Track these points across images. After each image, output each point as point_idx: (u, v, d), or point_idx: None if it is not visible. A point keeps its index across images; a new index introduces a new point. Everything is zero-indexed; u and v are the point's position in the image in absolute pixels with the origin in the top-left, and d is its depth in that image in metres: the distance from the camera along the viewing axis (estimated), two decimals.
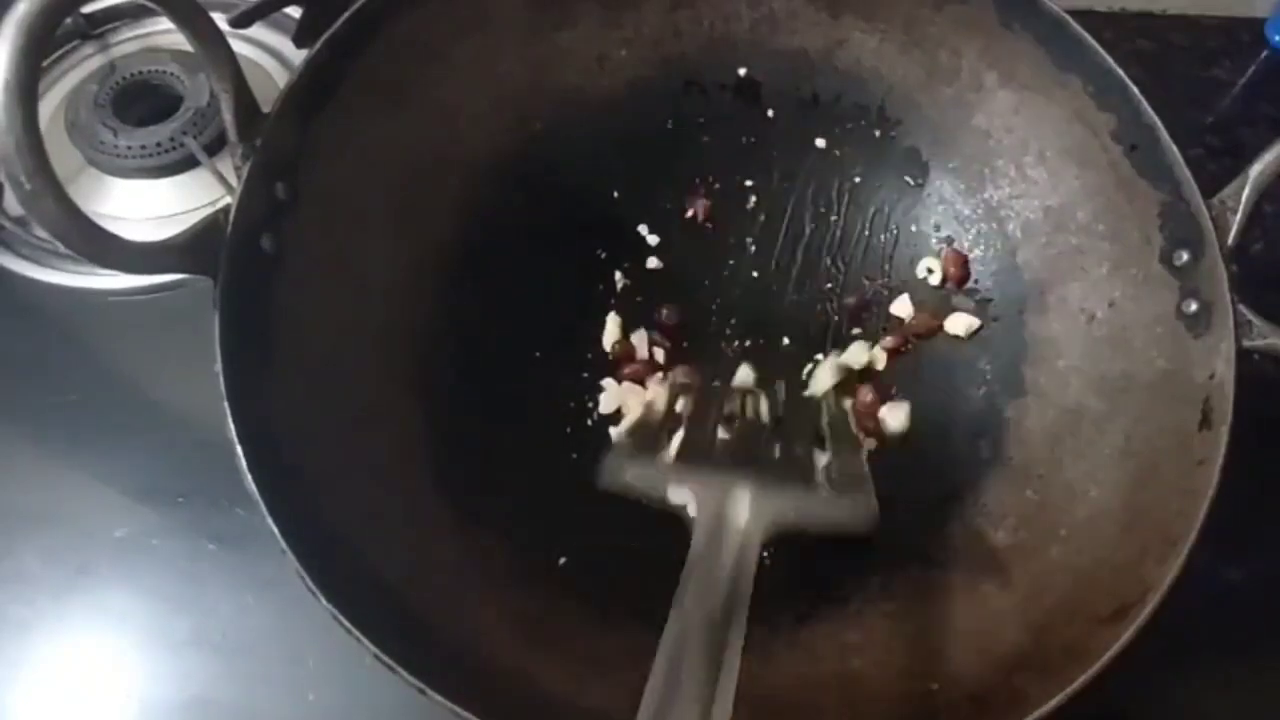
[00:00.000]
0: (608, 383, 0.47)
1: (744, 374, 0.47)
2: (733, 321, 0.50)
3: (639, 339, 0.48)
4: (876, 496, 0.37)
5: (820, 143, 0.52)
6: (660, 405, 0.40)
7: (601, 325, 0.49)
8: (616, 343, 0.48)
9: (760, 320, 0.50)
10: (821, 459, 0.38)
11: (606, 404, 0.47)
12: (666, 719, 0.27)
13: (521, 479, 0.44)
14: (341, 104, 0.41)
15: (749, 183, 0.52)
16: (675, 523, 0.44)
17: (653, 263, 0.50)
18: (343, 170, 0.41)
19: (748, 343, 0.49)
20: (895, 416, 0.47)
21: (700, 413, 0.40)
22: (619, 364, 0.48)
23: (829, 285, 0.50)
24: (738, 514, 0.34)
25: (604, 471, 0.37)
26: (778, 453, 0.38)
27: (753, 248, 0.51)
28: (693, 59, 0.50)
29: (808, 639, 0.41)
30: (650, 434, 0.39)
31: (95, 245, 0.32)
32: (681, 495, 0.35)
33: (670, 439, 0.39)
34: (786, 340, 0.49)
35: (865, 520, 0.36)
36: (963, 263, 0.49)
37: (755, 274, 0.51)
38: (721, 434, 0.39)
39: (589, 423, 0.47)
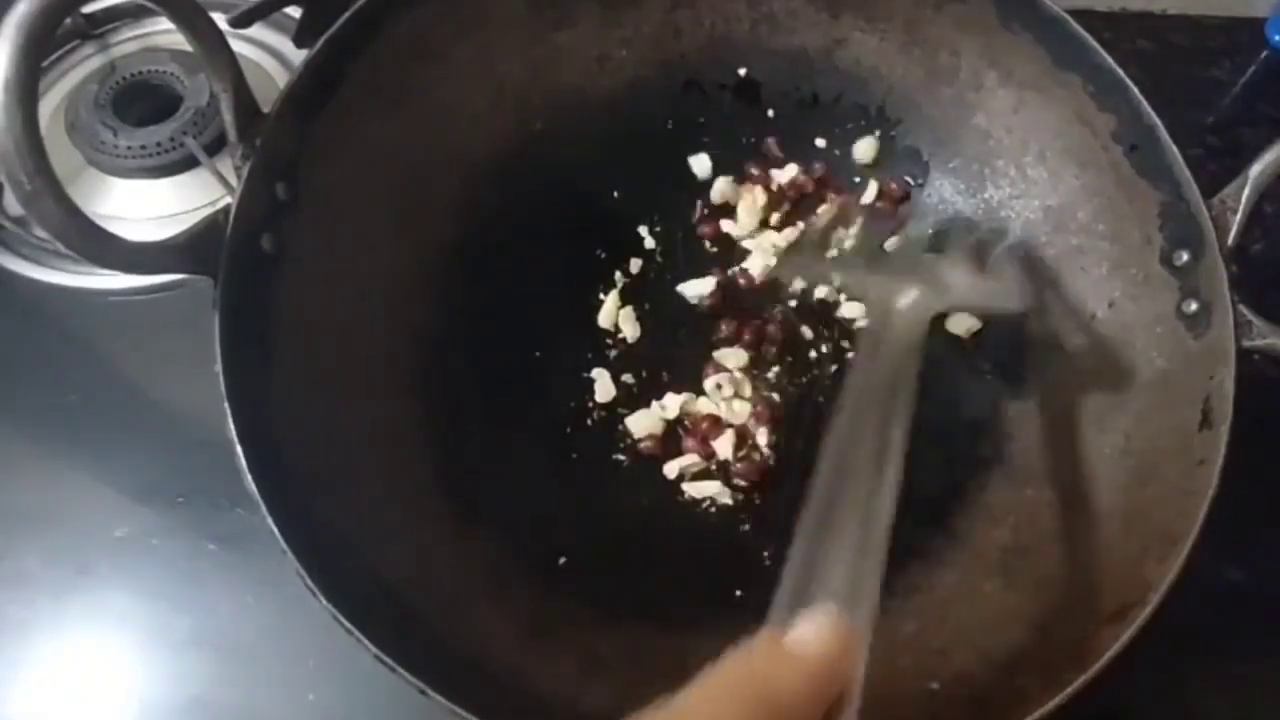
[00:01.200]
0: (598, 372, 0.47)
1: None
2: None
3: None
4: None
5: (820, 143, 0.52)
6: (824, 222, 0.48)
7: (600, 325, 0.49)
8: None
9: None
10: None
11: (602, 393, 0.47)
12: (848, 461, 0.30)
13: (522, 479, 0.44)
14: (341, 104, 0.41)
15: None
16: (676, 523, 0.45)
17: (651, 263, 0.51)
18: (343, 170, 0.41)
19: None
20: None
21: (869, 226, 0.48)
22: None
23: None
24: (905, 299, 0.38)
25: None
26: (940, 255, 0.44)
27: None
28: (693, 59, 0.50)
29: None
30: (817, 245, 0.47)
31: (95, 245, 0.32)
32: (858, 283, 0.44)
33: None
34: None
35: (1018, 304, 0.43)
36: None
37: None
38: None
39: (589, 422, 0.46)
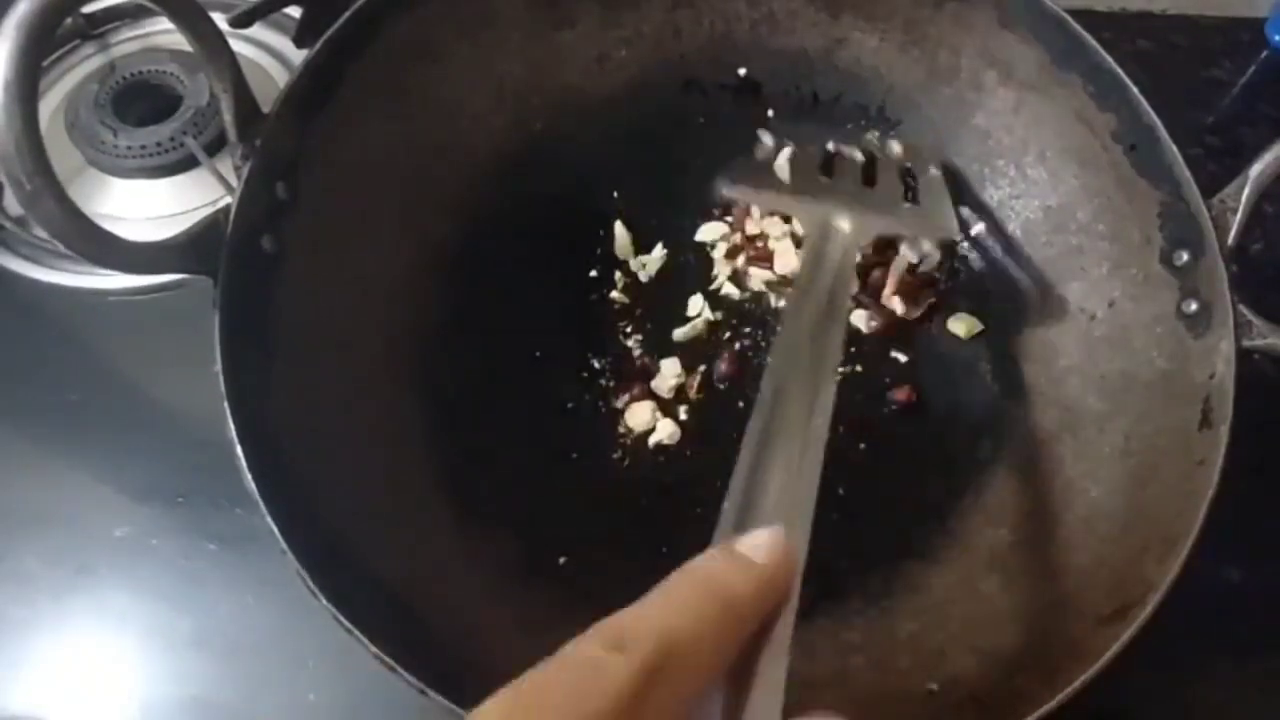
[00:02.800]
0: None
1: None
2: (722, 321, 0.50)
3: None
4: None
5: (820, 143, 0.52)
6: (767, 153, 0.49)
7: (600, 325, 0.49)
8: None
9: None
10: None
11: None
12: (787, 384, 0.31)
13: (522, 478, 0.44)
14: (341, 104, 0.41)
15: None
16: (676, 523, 0.44)
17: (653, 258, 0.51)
18: (343, 170, 0.41)
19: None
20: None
21: (804, 158, 0.48)
22: None
23: None
24: (841, 225, 0.41)
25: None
26: (873, 185, 0.46)
27: None
28: (693, 59, 0.50)
29: (806, 637, 0.41)
30: (763, 170, 0.48)
31: (95, 245, 0.32)
32: (796, 209, 0.45)
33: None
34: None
35: (947, 232, 0.46)
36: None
37: None
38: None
39: (589, 422, 0.47)
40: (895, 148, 0.49)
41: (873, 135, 0.50)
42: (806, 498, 0.28)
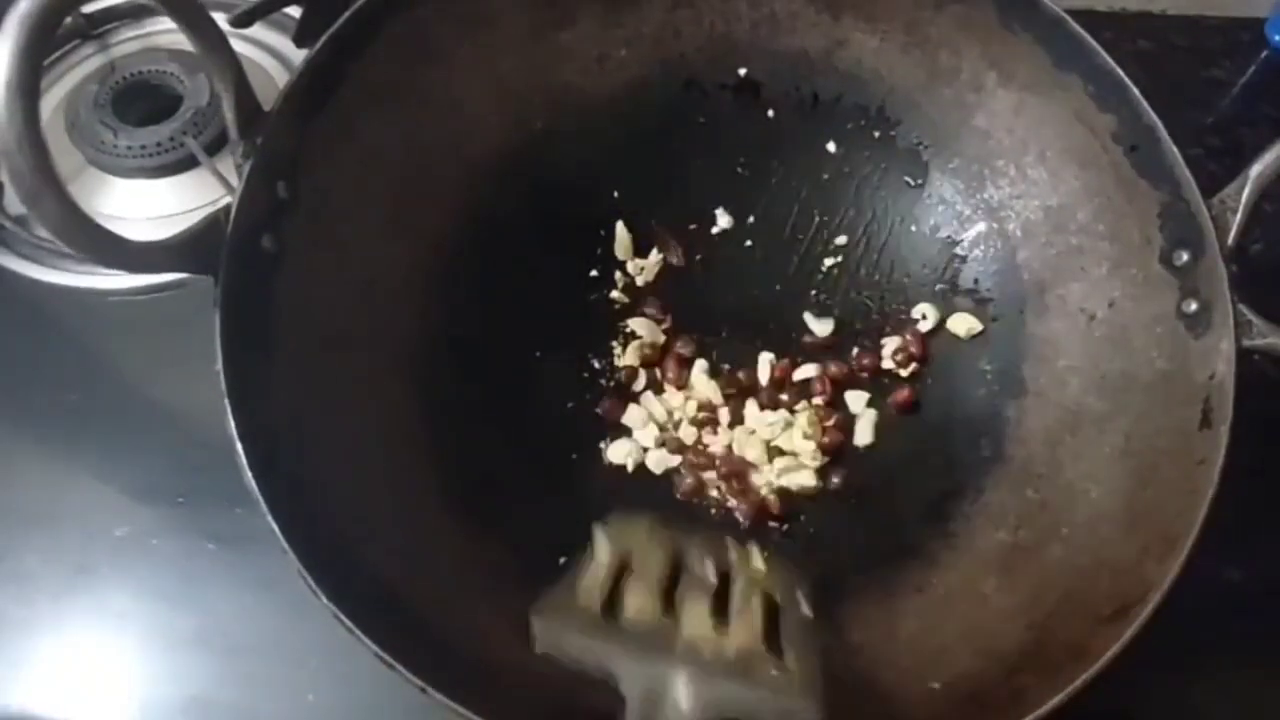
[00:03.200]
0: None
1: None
2: (720, 320, 0.50)
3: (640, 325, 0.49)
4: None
5: (820, 143, 0.52)
6: (603, 569, 0.36)
7: (600, 323, 0.49)
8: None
9: (745, 324, 0.50)
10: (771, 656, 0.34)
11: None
12: None
13: (521, 479, 0.44)
14: (341, 104, 0.41)
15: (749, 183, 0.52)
16: (676, 524, 0.44)
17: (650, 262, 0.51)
18: (343, 170, 0.41)
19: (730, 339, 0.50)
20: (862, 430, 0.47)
21: (644, 577, 0.36)
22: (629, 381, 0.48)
23: (822, 296, 0.51)
24: (676, 698, 0.31)
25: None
26: (724, 637, 0.34)
27: (751, 248, 0.51)
28: (693, 59, 0.50)
29: None
30: (592, 593, 0.35)
31: (96, 245, 0.32)
32: (618, 668, 0.33)
33: (608, 599, 0.35)
34: (766, 353, 0.49)
35: (812, 713, 0.32)
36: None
37: (752, 276, 0.51)
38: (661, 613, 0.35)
39: (589, 422, 0.47)
40: (757, 561, 0.37)
41: (731, 542, 0.38)
42: None
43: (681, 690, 0.31)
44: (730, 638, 0.34)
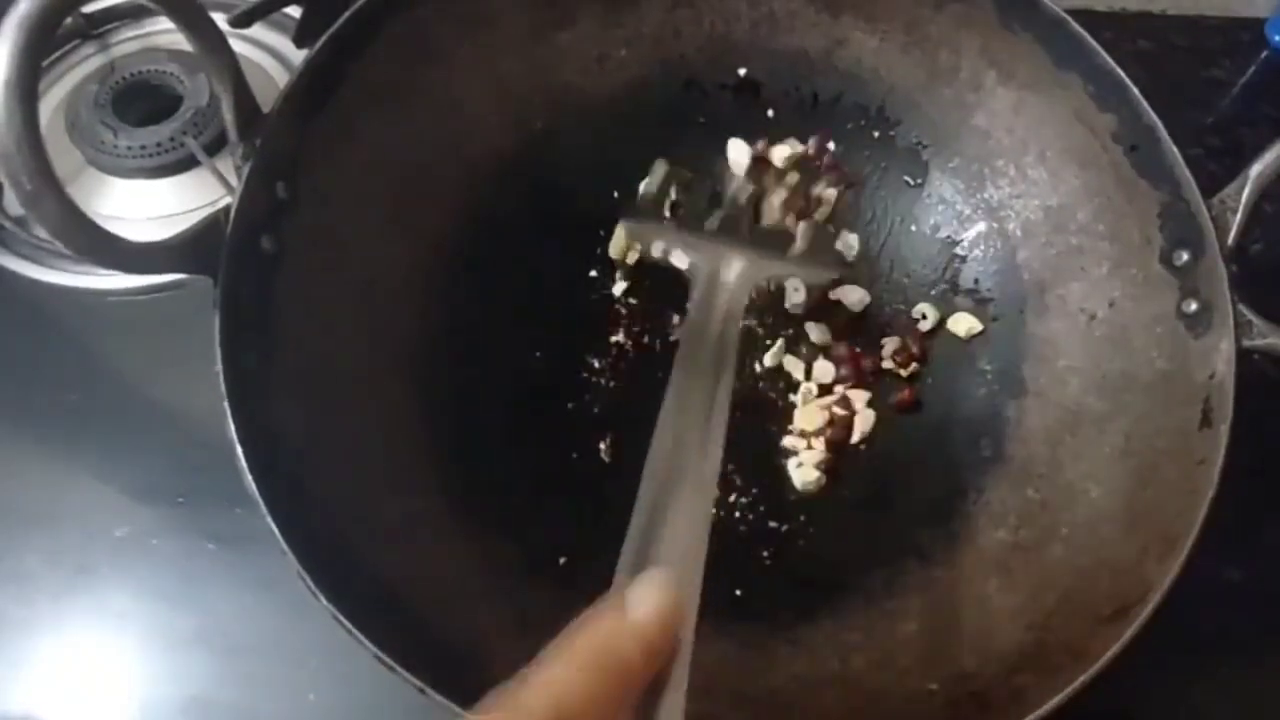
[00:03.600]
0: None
1: (737, 152, 0.50)
2: None
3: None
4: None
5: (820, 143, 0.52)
6: (657, 184, 0.46)
7: (600, 324, 0.49)
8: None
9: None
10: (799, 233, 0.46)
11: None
12: (682, 433, 0.31)
13: (522, 478, 0.44)
14: (341, 104, 0.41)
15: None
16: None
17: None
18: (343, 170, 0.41)
19: None
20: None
21: (695, 192, 0.46)
22: None
23: None
24: (729, 273, 0.40)
25: (618, 237, 0.48)
26: (762, 228, 0.46)
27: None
28: (693, 59, 0.50)
29: (807, 638, 0.41)
30: (653, 208, 0.46)
31: (95, 245, 0.32)
32: (682, 258, 0.42)
33: (669, 213, 0.46)
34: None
35: (831, 276, 0.47)
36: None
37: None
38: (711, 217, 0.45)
39: (589, 422, 0.47)
40: (781, 192, 0.48)
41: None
42: (698, 543, 0.29)
43: (733, 263, 0.41)
44: (762, 233, 0.45)
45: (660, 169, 0.46)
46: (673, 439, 0.31)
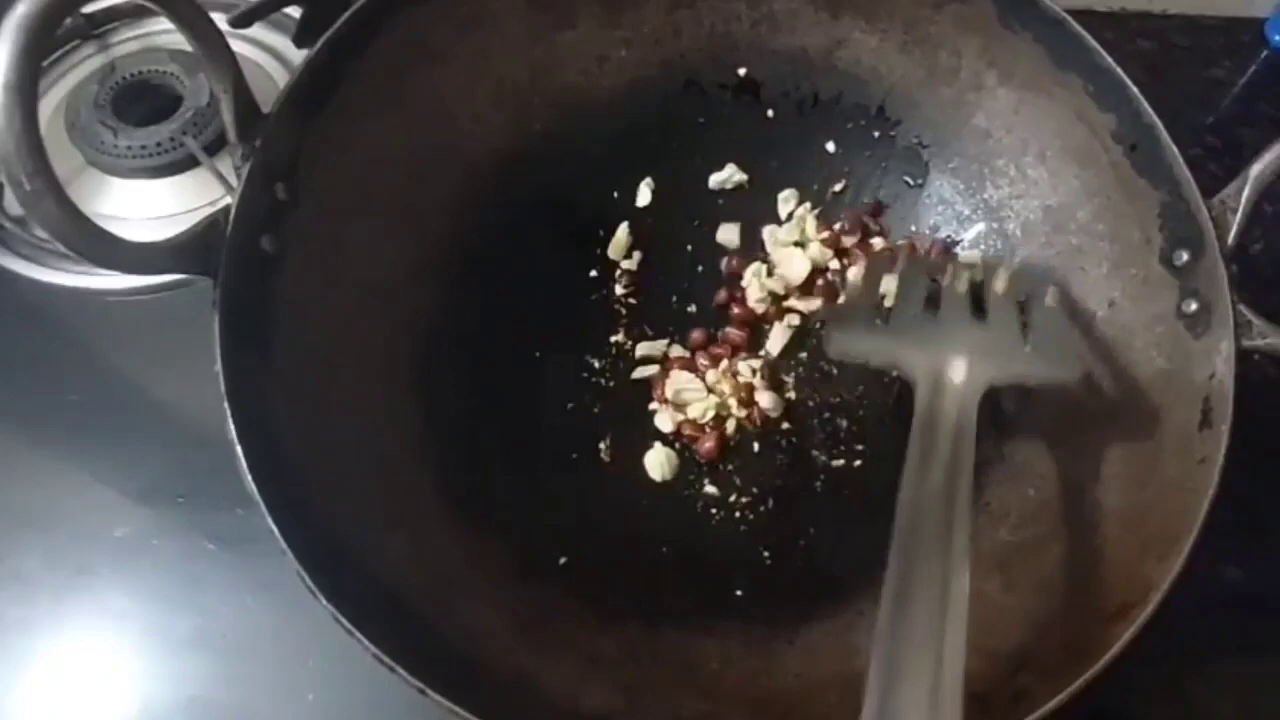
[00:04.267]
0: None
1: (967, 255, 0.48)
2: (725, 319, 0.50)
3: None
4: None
5: (830, 146, 0.52)
6: (861, 283, 0.44)
7: (600, 323, 0.49)
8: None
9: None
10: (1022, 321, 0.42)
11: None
12: (913, 566, 0.29)
13: (521, 479, 0.44)
14: (341, 104, 0.41)
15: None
16: (676, 523, 0.45)
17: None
18: (343, 170, 0.41)
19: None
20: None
21: (908, 286, 0.43)
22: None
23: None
24: (955, 375, 0.37)
25: (831, 341, 0.42)
26: (985, 320, 0.42)
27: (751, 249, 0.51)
28: (693, 59, 0.50)
29: (810, 639, 0.41)
30: (863, 308, 0.43)
31: (95, 245, 0.32)
32: (904, 360, 0.39)
33: (880, 312, 0.43)
34: None
35: (1072, 373, 0.40)
36: None
37: None
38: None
39: (589, 422, 0.47)
40: (1002, 277, 0.44)
41: (973, 261, 0.46)
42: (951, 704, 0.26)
43: (959, 368, 0.37)
44: (989, 328, 0.41)
45: (858, 269, 0.43)
46: (901, 581, 0.28)
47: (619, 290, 0.50)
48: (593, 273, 0.50)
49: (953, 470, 0.33)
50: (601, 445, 0.46)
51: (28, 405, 0.49)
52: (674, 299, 0.50)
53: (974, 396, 0.37)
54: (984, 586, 0.41)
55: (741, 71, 0.51)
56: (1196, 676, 0.44)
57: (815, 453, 0.47)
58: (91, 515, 0.46)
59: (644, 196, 0.51)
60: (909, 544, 0.30)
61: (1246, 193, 0.38)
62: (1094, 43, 0.42)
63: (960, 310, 0.42)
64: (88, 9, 0.61)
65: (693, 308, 0.50)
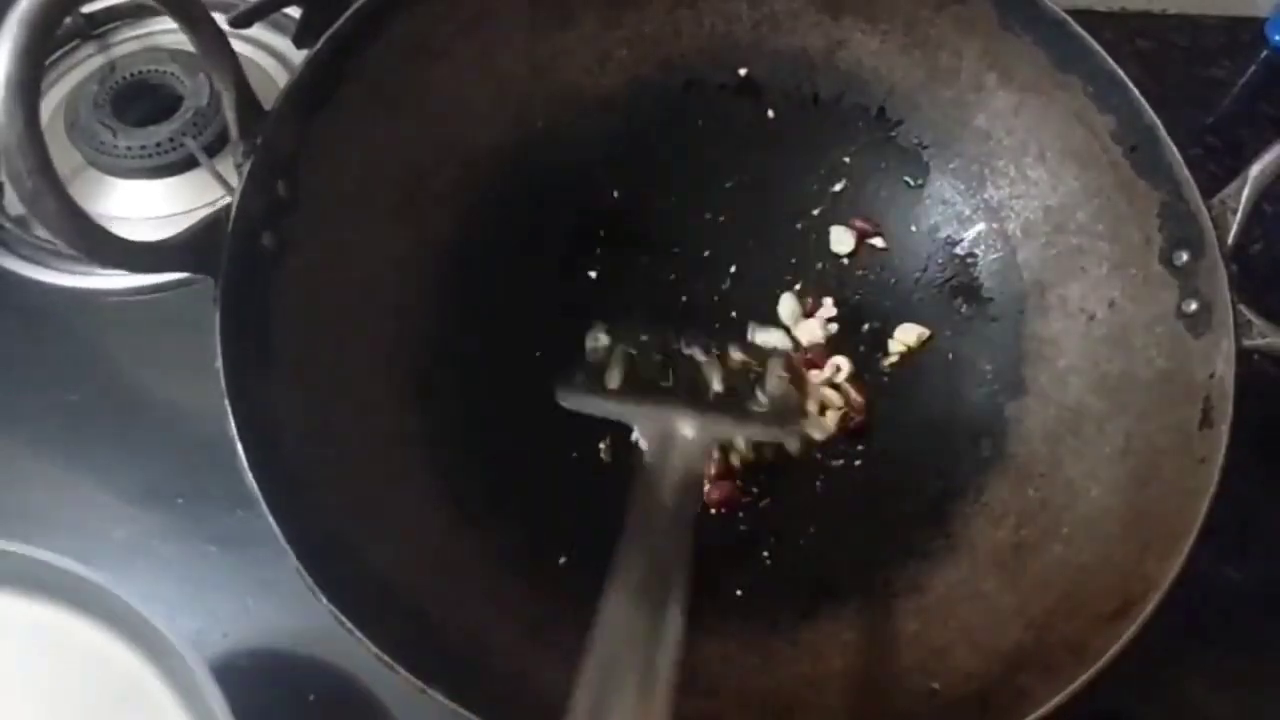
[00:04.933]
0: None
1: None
2: (721, 315, 0.50)
3: None
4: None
5: (820, 143, 0.52)
6: (604, 345, 0.44)
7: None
8: None
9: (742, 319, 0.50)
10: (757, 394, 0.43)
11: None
12: (629, 617, 0.30)
13: (521, 478, 0.44)
14: (342, 103, 0.41)
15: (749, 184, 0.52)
16: None
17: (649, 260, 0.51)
18: (343, 169, 0.41)
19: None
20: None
21: (645, 355, 0.44)
22: None
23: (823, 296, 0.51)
24: (683, 431, 0.38)
25: (560, 395, 0.41)
26: (716, 388, 0.42)
27: (752, 246, 0.51)
28: (693, 59, 0.50)
29: (809, 637, 0.41)
30: (600, 370, 0.43)
31: (96, 244, 0.32)
32: (629, 417, 0.40)
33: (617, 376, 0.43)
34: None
35: (794, 438, 0.44)
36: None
37: (749, 273, 0.51)
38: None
39: (589, 422, 0.46)
40: (736, 353, 0.44)
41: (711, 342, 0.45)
42: None
43: (686, 425, 0.38)
44: (722, 389, 0.42)
45: (601, 338, 0.44)
46: (619, 634, 0.29)
47: (619, 290, 0.50)
48: (592, 273, 0.50)
49: (676, 519, 0.33)
50: (601, 445, 0.46)
51: (28, 405, 0.49)
52: (673, 298, 0.50)
53: (700, 451, 0.38)
54: (984, 586, 0.41)
55: (742, 72, 0.51)
56: (1196, 676, 0.44)
57: (815, 453, 0.47)
58: (91, 516, 0.46)
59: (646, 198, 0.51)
60: (627, 588, 0.31)
61: (1246, 193, 0.38)
62: (1095, 44, 0.42)
63: (689, 373, 0.43)
64: (88, 9, 0.61)
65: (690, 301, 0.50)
